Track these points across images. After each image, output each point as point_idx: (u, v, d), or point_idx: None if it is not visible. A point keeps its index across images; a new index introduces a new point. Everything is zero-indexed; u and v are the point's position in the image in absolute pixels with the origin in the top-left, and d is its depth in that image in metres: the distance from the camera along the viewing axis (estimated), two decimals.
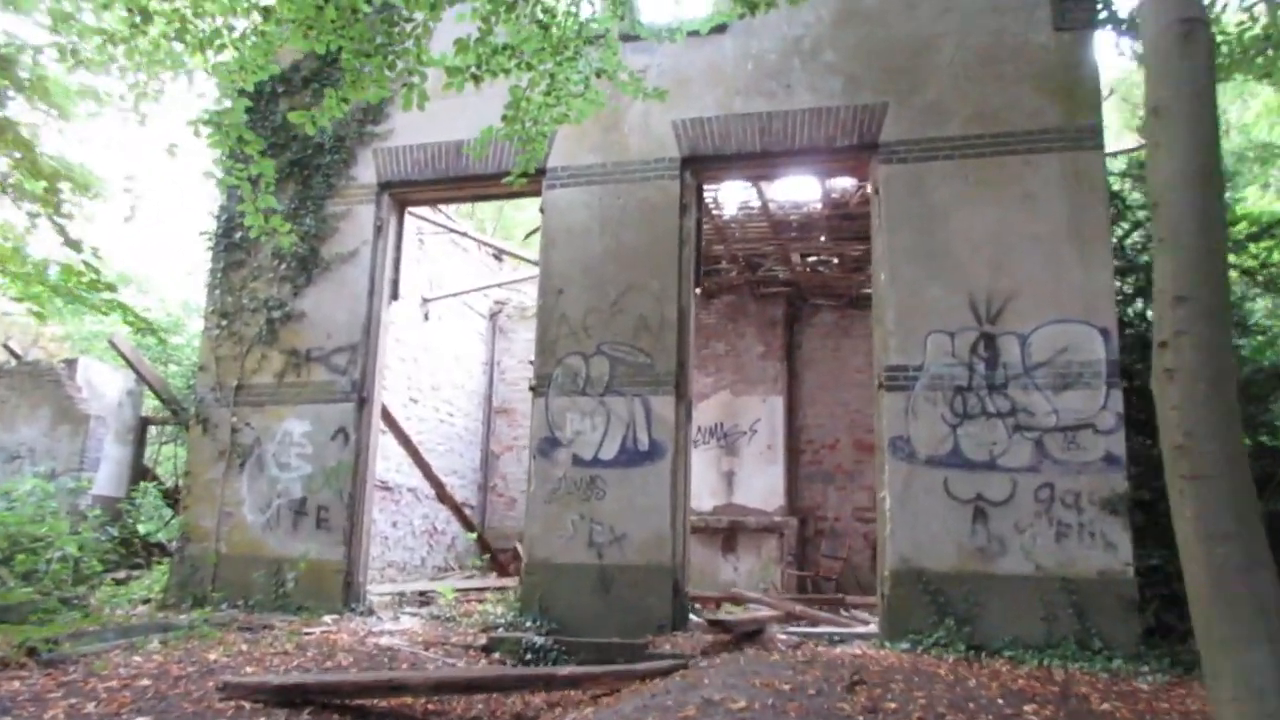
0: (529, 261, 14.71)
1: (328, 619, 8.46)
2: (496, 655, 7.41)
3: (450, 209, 14.10)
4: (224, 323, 9.76)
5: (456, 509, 12.95)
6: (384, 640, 7.57)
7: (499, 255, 15.91)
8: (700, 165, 9.06)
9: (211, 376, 9.70)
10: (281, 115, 9.89)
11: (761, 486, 13.63)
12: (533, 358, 14.21)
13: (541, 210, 9.27)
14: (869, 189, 8.82)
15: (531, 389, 8.92)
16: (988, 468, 7.75)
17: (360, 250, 9.62)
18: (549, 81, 7.05)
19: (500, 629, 8.05)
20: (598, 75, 7.12)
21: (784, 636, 7.85)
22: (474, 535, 13.21)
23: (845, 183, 10.71)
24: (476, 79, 6.68)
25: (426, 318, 13.54)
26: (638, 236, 8.89)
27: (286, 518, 9.17)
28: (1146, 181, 3.78)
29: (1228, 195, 8.33)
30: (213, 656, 6.54)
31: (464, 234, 13.66)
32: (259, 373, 9.58)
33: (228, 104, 6.66)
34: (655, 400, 8.55)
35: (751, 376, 13.97)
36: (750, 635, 7.61)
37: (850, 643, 7.70)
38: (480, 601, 10.26)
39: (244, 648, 6.96)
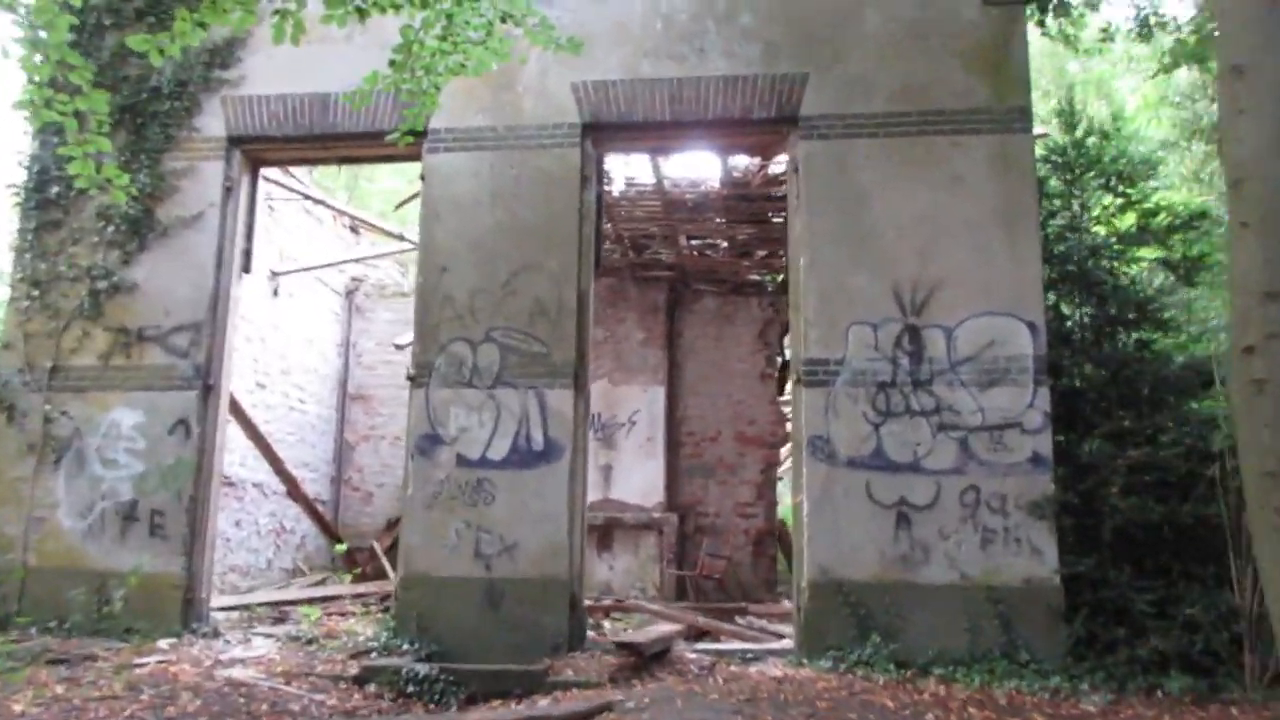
0: (389, 234, 13.49)
1: (164, 644, 7.22)
2: (372, 688, 6.39)
3: (301, 173, 12.73)
4: (35, 293, 8.26)
5: (312, 510, 11.71)
6: (236, 672, 6.44)
7: (355, 228, 14.56)
8: (603, 134, 8.19)
9: (18, 356, 8.20)
10: (109, 50, 8.44)
11: (641, 481, 12.91)
12: (395, 341, 13.11)
13: (422, 177, 8.20)
14: (787, 167, 8.17)
15: (409, 379, 7.87)
16: (911, 469, 7.25)
17: (206, 214, 8.30)
18: (445, 23, 6.04)
19: (374, 654, 7.02)
20: (502, 20, 6.15)
21: (693, 655, 7.15)
22: (341, 547, 11.95)
23: (745, 161, 10.06)
24: (361, 12, 5.63)
25: (276, 293, 12.15)
26: (533, 210, 7.96)
27: (113, 524, 7.82)
28: (1223, 155, 3.26)
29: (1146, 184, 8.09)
30: (17, 708, 5.29)
31: (320, 202, 12.31)
32: (79, 353, 8.15)
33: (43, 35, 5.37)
34: (551, 394, 7.66)
35: (631, 365, 13.21)
36: (658, 655, 6.87)
37: (765, 660, 7.07)
38: (341, 615, 9.13)
39: (59, 690, 5.71)
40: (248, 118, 8.40)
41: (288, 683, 6.32)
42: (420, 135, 8.06)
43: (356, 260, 13.58)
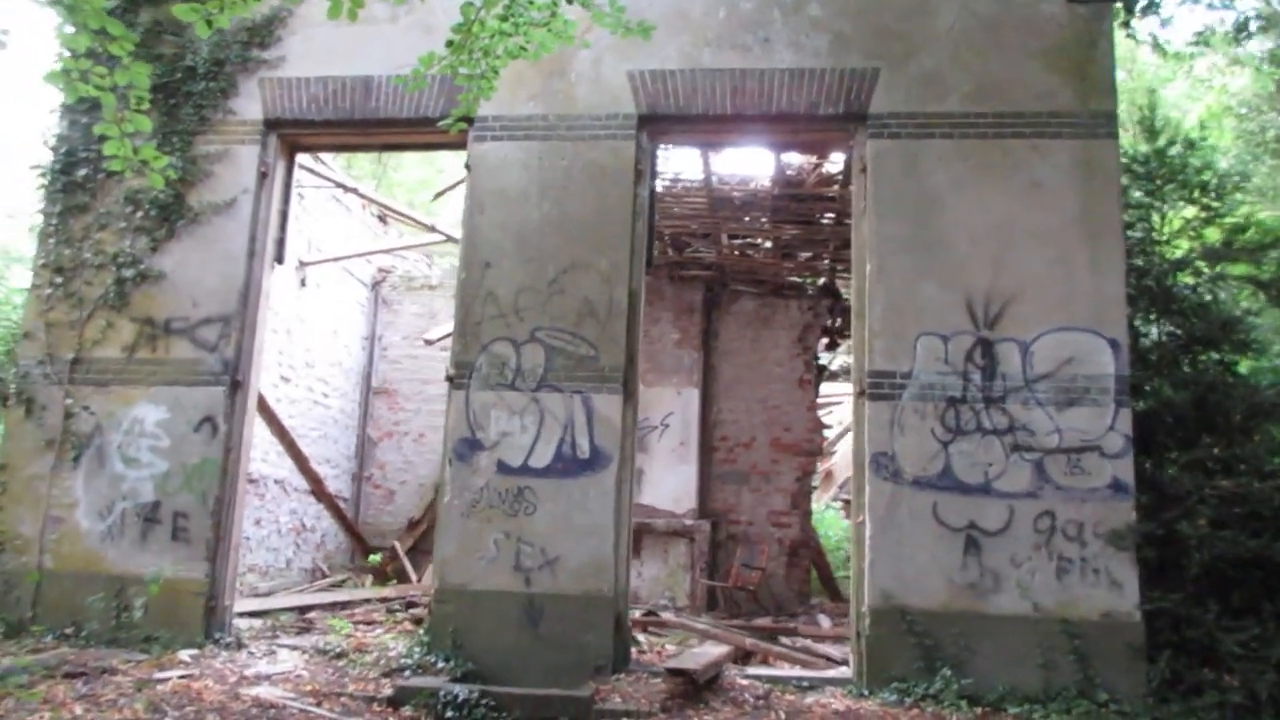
0: (420, 225, 13.08)
1: (185, 655, 6.83)
2: (407, 711, 5.98)
3: (329, 159, 12.32)
4: (59, 280, 7.87)
5: (337, 510, 11.35)
6: (263, 691, 6.04)
7: (384, 217, 14.17)
8: (659, 126, 7.77)
9: (39, 346, 7.81)
10: (143, 26, 8.04)
11: (673, 486, 12.49)
12: (424, 335, 12.71)
13: (467, 167, 7.78)
14: (853, 167, 7.72)
15: (448, 379, 7.47)
16: (982, 492, 6.82)
17: (239, 200, 7.89)
18: (507, 2, 5.63)
19: (407, 672, 6.61)
20: (568, 0, 5.73)
21: (745, 682, 6.73)
22: (375, 558, 11.53)
23: (800, 159, 9.62)
24: None
25: (303, 284, 11.77)
26: (584, 205, 7.54)
27: (134, 526, 7.43)
28: None
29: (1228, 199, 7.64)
30: None
31: (352, 190, 11.90)
32: (103, 344, 7.76)
33: None
34: (599, 399, 7.25)
35: (665, 366, 12.79)
36: (709, 681, 6.45)
37: (823, 690, 6.65)
38: (368, 623, 8.74)
39: (77, 710, 5.32)
40: (286, 100, 7.99)
41: (318, 704, 5.92)
42: (467, 123, 7.68)
43: (388, 251, 13.19)
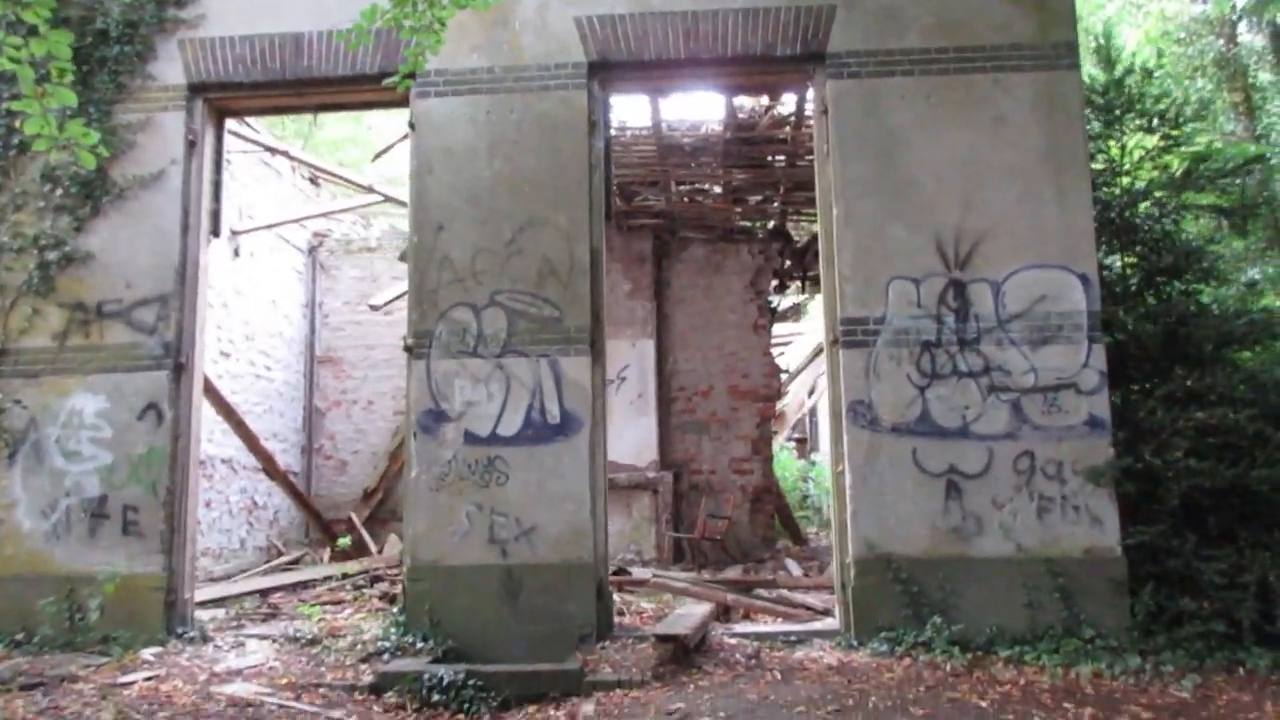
0: (357, 185, 12.55)
1: (148, 655, 6.51)
2: (391, 698, 5.76)
3: (256, 121, 11.71)
4: None
5: (292, 488, 10.97)
6: (236, 688, 5.77)
7: (315, 179, 13.58)
8: (611, 73, 7.44)
9: None
10: None
11: (633, 439, 12.33)
12: (369, 301, 12.28)
13: (411, 125, 7.38)
14: (814, 109, 7.50)
15: (407, 349, 7.14)
16: (961, 435, 6.75)
17: (167, 172, 7.40)
18: None
19: (386, 656, 6.39)
20: None
21: (732, 640, 6.64)
22: (344, 541, 11.17)
23: (751, 102, 9.36)
24: None
25: (236, 254, 11.23)
26: (538, 160, 7.21)
27: (80, 523, 7.03)
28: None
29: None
30: None
31: (283, 153, 11.32)
32: (30, 334, 7.26)
33: None
34: (566, 361, 7.00)
35: (619, 318, 12.54)
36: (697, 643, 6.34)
37: (811, 644, 6.60)
38: (335, 604, 8.47)
39: None
40: (210, 62, 7.47)
41: (297, 697, 5.68)
42: (410, 79, 7.29)
43: (325, 214, 12.65)
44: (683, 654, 6.11)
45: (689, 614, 6.84)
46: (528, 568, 6.79)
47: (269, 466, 10.44)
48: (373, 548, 11.56)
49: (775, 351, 15.24)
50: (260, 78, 7.46)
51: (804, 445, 22.67)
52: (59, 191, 7.34)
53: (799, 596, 8.00)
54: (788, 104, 9.26)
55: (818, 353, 18.77)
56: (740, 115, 9.47)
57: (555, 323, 7.03)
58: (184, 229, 7.38)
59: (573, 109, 7.25)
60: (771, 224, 12.94)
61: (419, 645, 6.51)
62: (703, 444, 12.66)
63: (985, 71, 7.07)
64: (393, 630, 6.71)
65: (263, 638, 6.99)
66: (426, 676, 5.82)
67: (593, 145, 7.27)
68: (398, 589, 9.18)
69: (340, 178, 12.20)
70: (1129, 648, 6.14)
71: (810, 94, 7.86)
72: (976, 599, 6.52)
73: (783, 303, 15.97)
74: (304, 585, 9.50)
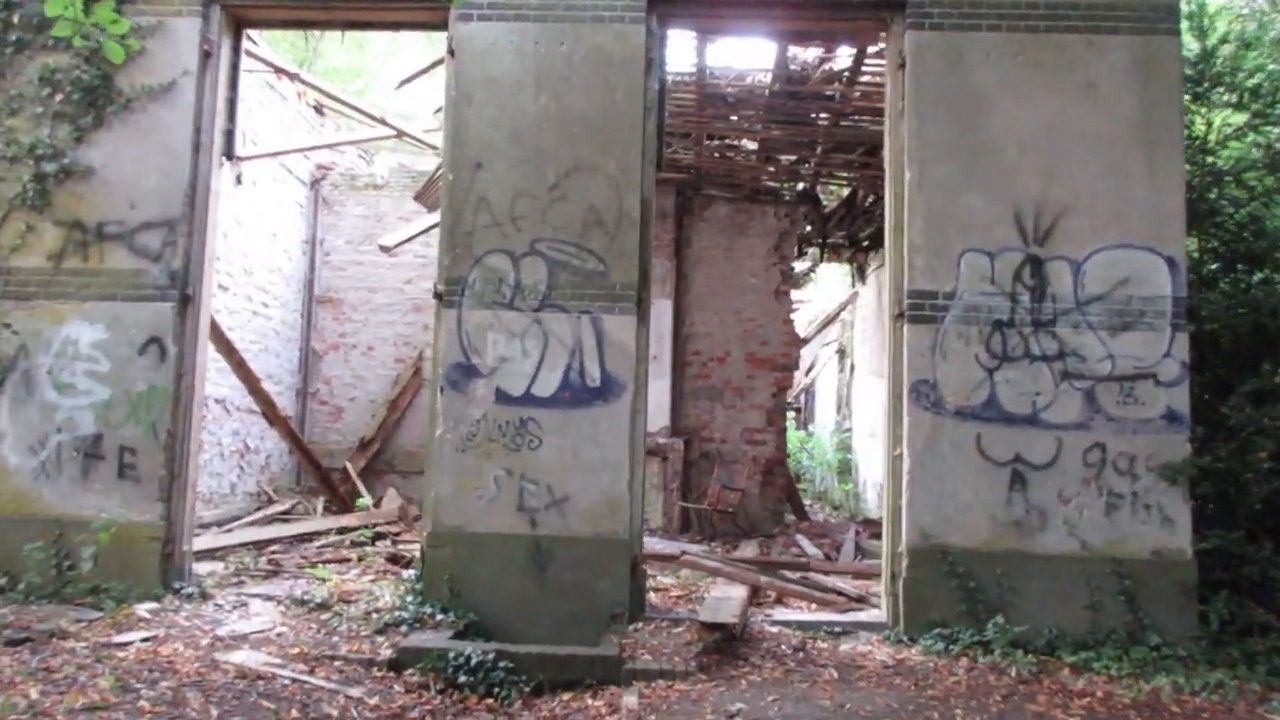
0: (368, 116, 11.84)
1: (143, 611, 5.99)
2: (414, 676, 5.28)
3: (259, 38, 10.96)
4: None
5: (294, 437, 10.38)
6: (244, 657, 5.26)
7: (320, 108, 12.84)
8: (671, 7, 6.84)
9: None
10: None
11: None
12: (380, 242, 11.62)
13: (450, 52, 6.76)
14: (887, 63, 6.93)
15: (437, 296, 6.59)
16: (1029, 423, 6.30)
17: (179, 84, 6.74)
18: None
19: (404, 628, 5.90)
20: None
21: (774, 629, 6.20)
22: (362, 502, 10.60)
23: (806, 54, 8.77)
24: None
25: (239, 181, 10.55)
26: (588, 99, 6.62)
27: (72, 462, 6.47)
28: None
29: None
30: None
31: (295, 75, 10.60)
32: (23, 252, 6.64)
33: None
34: (610, 320, 6.47)
35: None
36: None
37: (858, 636, 6.18)
38: (340, 562, 7.97)
39: (33, 695, 4.48)
40: None
41: (311, 671, 5.18)
42: None
43: (337, 145, 11.95)
44: (726, 643, 5.67)
45: (728, 598, 6.39)
46: (558, 540, 6.31)
47: (269, 411, 9.86)
48: (369, 500, 11.04)
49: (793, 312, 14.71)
50: None
51: (800, 416, 22.30)
52: (59, 97, 6.68)
53: (829, 581, 7.57)
54: (844, 58, 8.67)
55: (827, 322, 18.32)
56: (792, 67, 8.86)
57: (600, 277, 6.49)
58: (195, 148, 6.75)
59: (629, 44, 6.66)
60: (801, 186, 12.38)
61: (439, 617, 6.04)
62: (716, 411, 12.18)
63: (1078, 31, 6.53)
64: (409, 599, 6.23)
65: (267, 598, 6.48)
66: (452, 655, 5.35)
67: (648, 86, 6.69)
68: (400, 548, 8.72)
69: (353, 107, 11.47)
70: (1199, 659, 5.76)
71: (884, 46, 7.27)
72: (1036, 598, 6.12)
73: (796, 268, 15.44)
74: (302, 539, 8.99)
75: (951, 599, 6.14)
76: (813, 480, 19.89)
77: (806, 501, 16.25)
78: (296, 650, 5.46)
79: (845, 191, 12.89)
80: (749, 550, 9.63)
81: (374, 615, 6.09)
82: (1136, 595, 6.08)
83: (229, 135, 7.07)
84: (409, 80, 10.25)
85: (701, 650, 5.57)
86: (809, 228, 13.31)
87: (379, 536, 9.20)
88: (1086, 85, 6.48)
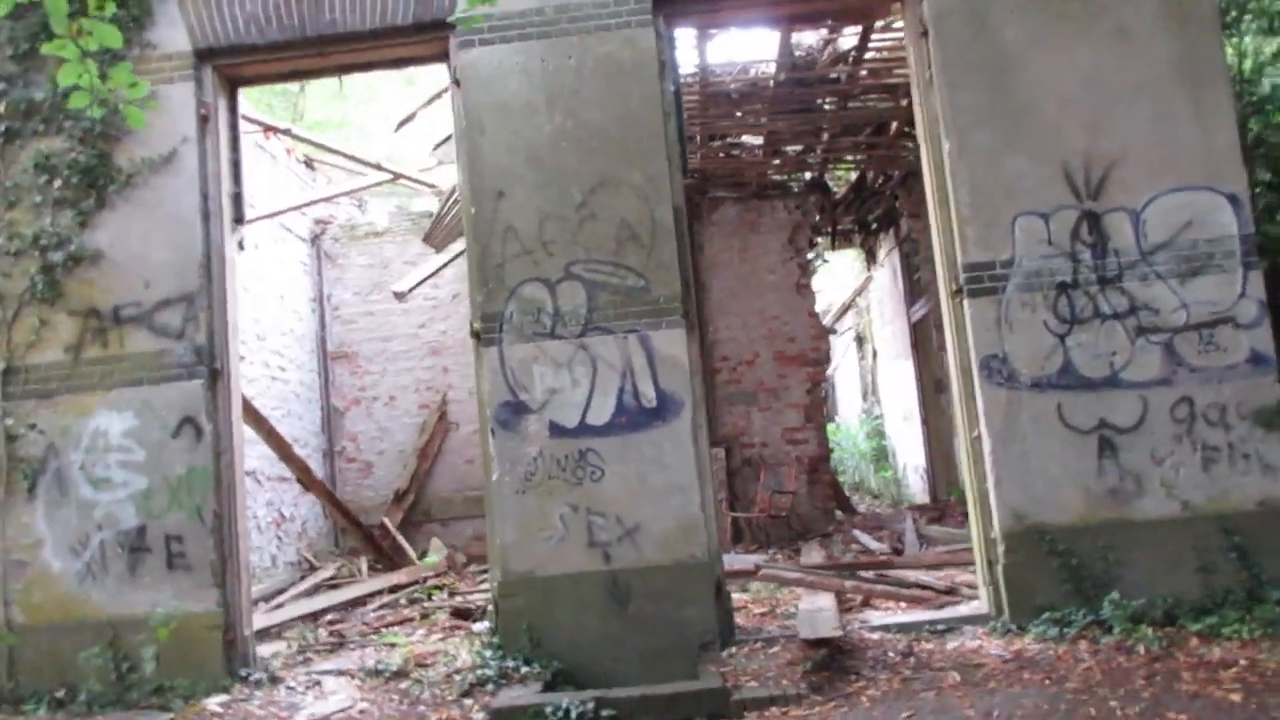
0: (359, 163, 11.59)
1: (214, 705, 5.67)
2: None
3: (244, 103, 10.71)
4: None
5: (332, 499, 10.11)
6: None
7: (309, 163, 12.60)
8: (678, 7, 6.58)
9: None
10: None
11: None
12: (393, 288, 11.34)
13: (455, 81, 6.50)
14: (906, 34, 6.68)
15: (474, 335, 6.30)
16: (1109, 385, 6.01)
17: (180, 152, 6.48)
18: None
19: (489, 685, 5.58)
20: None
21: (872, 635, 5.89)
22: (430, 560, 10.27)
23: (811, 38, 8.52)
24: None
25: (241, 246, 10.23)
26: (604, 111, 6.35)
27: (117, 559, 6.16)
28: None
29: None
30: None
31: (286, 132, 10.35)
32: (39, 347, 6.35)
33: None
34: (658, 336, 6.19)
35: None
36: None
37: (962, 632, 5.87)
38: (400, 624, 7.65)
39: None
40: (217, 23, 6.53)
41: None
42: (437, 27, 6.45)
43: (335, 197, 11.68)
44: (830, 659, 5.36)
45: (819, 609, 6.09)
46: (634, 572, 6.00)
47: (305, 476, 9.58)
48: (412, 555, 10.73)
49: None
50: (277, 37, 6.55)
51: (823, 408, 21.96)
52: (57, 183, 6.41)
53: (912, 576, 7.26)
54: (851, 36, 8.42)
55: (843, 311, 18.06)
56: (797, 54, 8.61)
57: (641, 293, 6.21)
58: (204, 216, 6.48)
59: (638, 49, 6.39)
60: (809, 176, 12.12)
61: (523, 670, 5.72)
62: (752, 415, 11.89)
63: None
64: (488, 654, 5.91)
65: (339, 673, 6.17)
66: (549, 710, 5.03)
67: (664, 90, 6.43)
68: (458, 599, 8.41)
69: (348, 156, 11.22)
70: None
71: (897, 19, 7.02)
72: (1143, 567, 5.81)
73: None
74: (355, 603, 8.68)
75: (1055, 580, 5.83)
76: (846, 472, 19.59)
77: (846, 494, 15.93)
78: None
79: (854, 175, 12.63)
80: (816, 553, 9.32)
81: (455, 677, 5.78)
82: (1247, 550, 5.76)
83: (237, 199, 6.81)
84: (407, 121, 10.00)
85: (809, 669, 5.25)
86: (819, 217, 13.04)
87: (435, 591, 8.88)
88: (1119, 30, 6.21)
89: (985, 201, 6.15)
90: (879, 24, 8.11)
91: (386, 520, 11.30)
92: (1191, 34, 6.18)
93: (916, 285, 14.02)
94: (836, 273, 18.57)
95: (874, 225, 14.98)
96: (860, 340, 19.01)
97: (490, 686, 5.57)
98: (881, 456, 17.89)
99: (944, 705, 4.47)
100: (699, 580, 5.99)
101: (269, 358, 10.80)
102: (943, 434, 13.92)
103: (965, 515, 11.20)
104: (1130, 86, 6.15)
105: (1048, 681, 4.70)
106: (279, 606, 8.45)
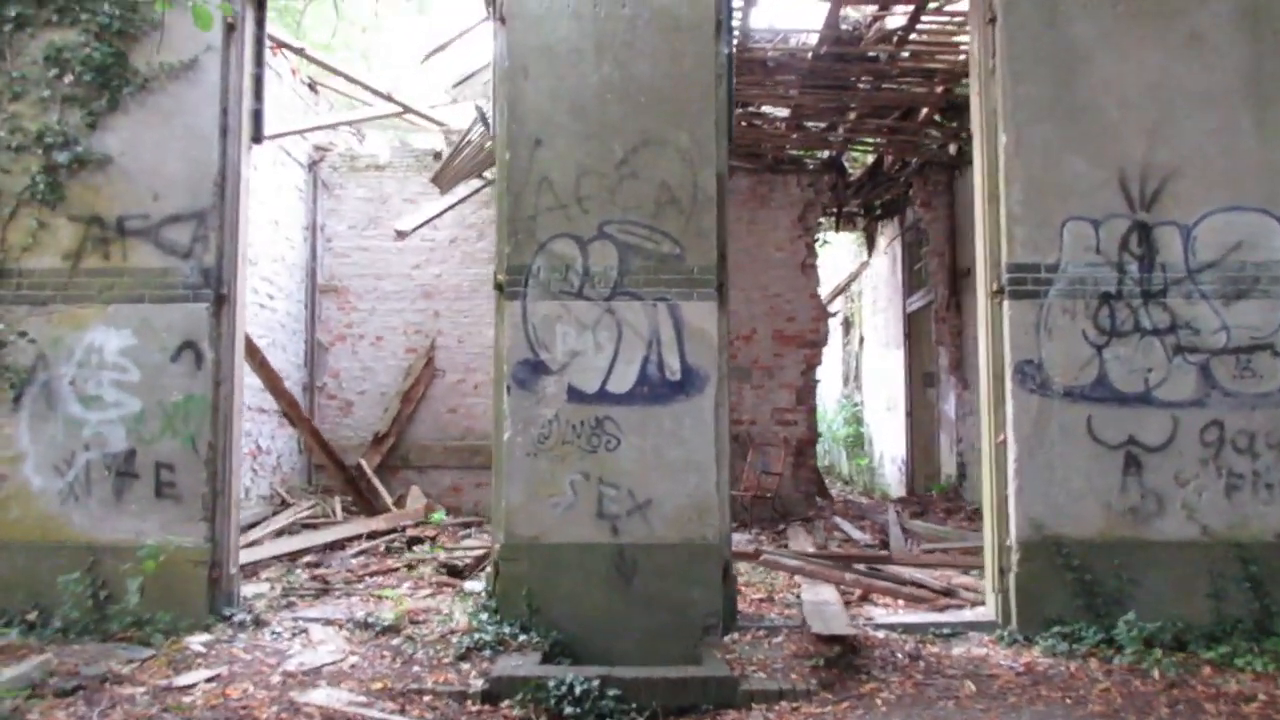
0: (369, 90, 11.15)
1: (197, 644, 5.44)
2: (514, 710, 4.80)
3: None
4: None
5: (318, 437, 9.79)
6: (324, 696, 4.74)
7: (313, 85, 12.14)
8: None
9: None
10: None
11: None
12: (396, 226, 10.98)
13: (501, 19, 6.17)
14: (971, 20, 6.45)
15: (498, 287, 6.04)
16: (1141, 401, 5.91)
17: (201, 61, 6.12)
18: None
19: (487, 651, 5.39)
20: None
21: (879, 634, 5.77)
22: (438, 516, 9.99)
23: (858, 13, 8.26)
24: None
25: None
26: (654, 66, 6.08)
27: (103, 482, 5.88)
28: None
29: None
30: None
31: (299, 50, 9.90)
32: (35, 252, 6.01)
33: None
34: (689, 307, 5.98)
35: None
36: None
37: (967, 637, 5.78)
38: (383, 574, 7.44)
39: None
40: None
41: (402, 710, 4.68)
42: None
43: (347, 123, 11.24)
44: (840, 654, 5.22)
45: (826, 601, 5.97)
46: (642, 548, 5.83)
47: (292, 412, 9.27)
48: (389, 501, 10.48)
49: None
50: None
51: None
52: (67, 78, 6.03)
53: (908, 573, 7.15)
54: (901, 15, 8.16)
55: (837, 293, 17.92)
56: (843, 26, 8.34)
57: (676, 260, 5.98)
58: (223, 131, 6.14)
59: (698, 6, 6.11)
60: (826, 154, 11.89)
61: (520, 638, 5.55)
62: (744, 393, 11.71)
63: None
64: (485, 618, 5.72)
65: (327, 622, 5.95)
66: (553, 684, 4.86)
67: (719, 51, 6.15)
68: (442, 554, 8.20)
69: (359, 83, 10.75)
70: None
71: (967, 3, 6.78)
72: (1155, 589, 5.74)
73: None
74: (335, 546, 8.45)
75: (1067, 594, 5.75)
76: (818, 455, 19.55)
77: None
78: (379, 685, 4.94)
79: (870, 159, 12.42)
80: (801, 537, 9.22)
81: (451, 638, 5.57)
82: (1263, 580, 5.72)
83: (257, 116, 6.45)
84: (436, 52, 9.59)
85: (821, 665, 5.12)
86: (829, 196, 12.82)
87: (415, 541, 8.67)
88: (1191, 36, 6.04)
89: (1038, 201, 5.98)
90: (932, 5, 7.86)
91: (364, 462, 11.01)
92: (1264, 47, 6.04)
93: (917, 276, 13.92)
94: (833, 255, 18.38)
95: (879, 211, 14.80)
96: (848, 325, 18.90)
97: (488, 652, 5.38)
98: (857, 443, 17.85)
99: (966, 718, 4.35)
100: (708, 562, 5.83)
101: (258, 284, 10.42)
102: (926, 427, 13.89)
103: (947, 512, 11.32)
104: (1196, 95, 6.00)
105: (1069, 701, 4.61)
106: (256, 543, 8.19)
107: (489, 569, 6.10)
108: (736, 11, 8.28)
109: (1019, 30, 6.07)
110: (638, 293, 5.96)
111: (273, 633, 5.76)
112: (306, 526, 9.43)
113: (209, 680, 4.92)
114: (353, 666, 5.22)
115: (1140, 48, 6.03)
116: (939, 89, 9.42)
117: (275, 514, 10.01)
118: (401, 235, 10.11)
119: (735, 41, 8.69)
